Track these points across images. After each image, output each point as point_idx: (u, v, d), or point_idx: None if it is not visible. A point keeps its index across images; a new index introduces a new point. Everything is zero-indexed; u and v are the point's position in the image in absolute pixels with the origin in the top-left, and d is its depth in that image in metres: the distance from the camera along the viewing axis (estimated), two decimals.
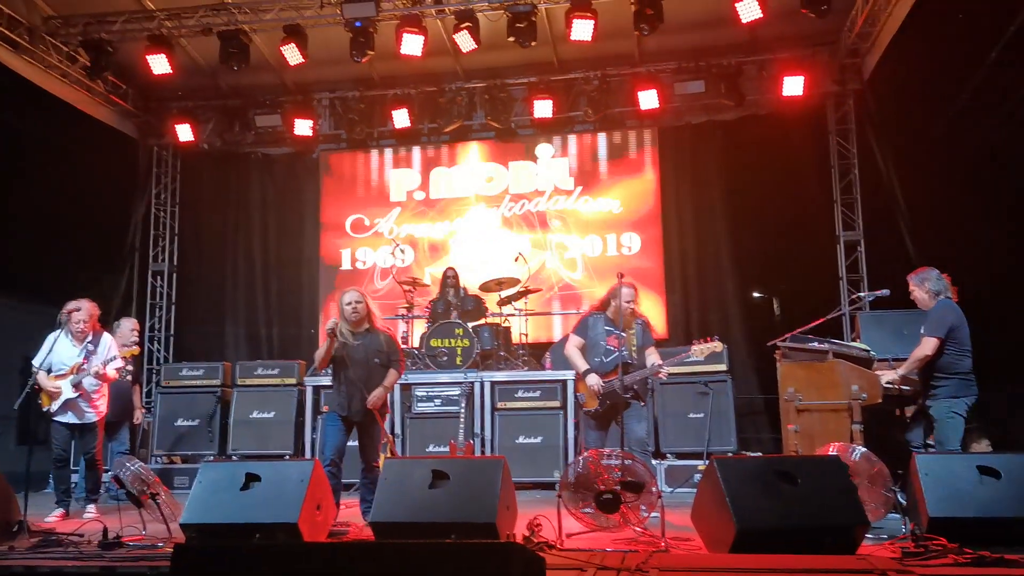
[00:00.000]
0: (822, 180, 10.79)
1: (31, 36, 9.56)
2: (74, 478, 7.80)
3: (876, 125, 10.18)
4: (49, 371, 6.85)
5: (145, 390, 10.73)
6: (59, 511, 6.84)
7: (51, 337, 6.92)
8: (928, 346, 5.77)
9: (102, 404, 7.08)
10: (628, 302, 6.47)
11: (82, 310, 6.92)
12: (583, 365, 6.47)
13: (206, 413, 9.45)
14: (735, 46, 10.31)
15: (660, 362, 6.41)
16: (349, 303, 6.13)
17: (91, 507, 6.96)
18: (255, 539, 4.63)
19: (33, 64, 9.75)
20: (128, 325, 8.34)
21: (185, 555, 2.94)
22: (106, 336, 7.16)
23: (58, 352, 6.87)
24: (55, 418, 6.89)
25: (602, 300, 6.71)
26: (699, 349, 6.39)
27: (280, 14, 9.49)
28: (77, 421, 6.91)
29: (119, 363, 7.06)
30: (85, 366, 6.85)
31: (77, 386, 6.83)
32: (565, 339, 7.97)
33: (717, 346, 6.39)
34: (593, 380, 6.36)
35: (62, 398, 6.81)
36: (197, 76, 11.00)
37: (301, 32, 9.43)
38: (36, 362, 6.83)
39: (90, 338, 6.97)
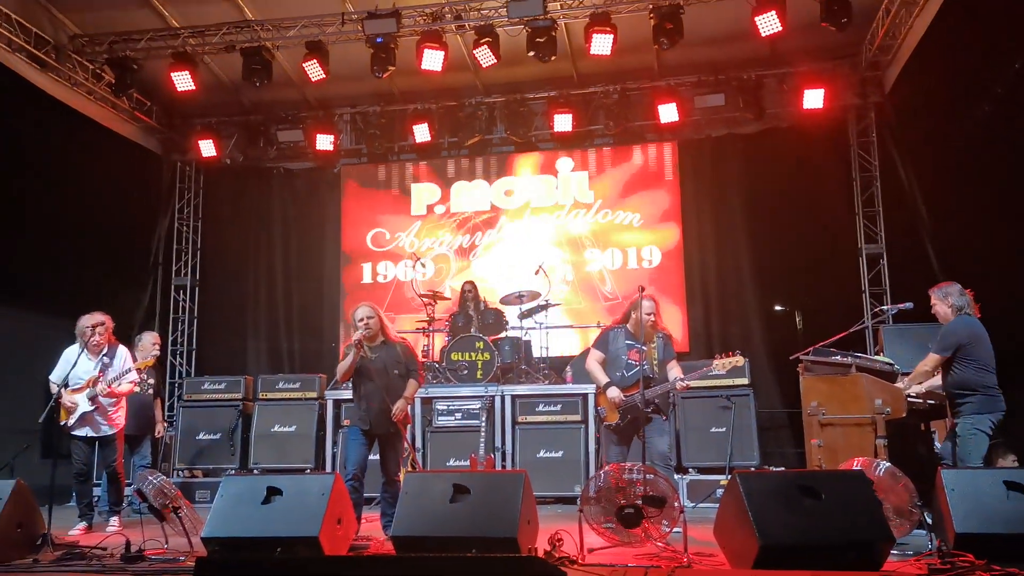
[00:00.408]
0: (844, 193, 10.73)
1: (58, 54, 9.71)
2: (96, 492, 7.85)
3: (898, 137, 10.11)
4: (66, 385, 6.88)
5: (167, 404, 10.80)
6: (82, 524, 6.87)
7: (68, 351, 6.99)
8: (930, 362, 5.76)
9: (119, 417, 7.11)
10: (648, 315, 6.44)
11: (97, 323, 6.96)
12: (603, 379, 6.43)
13: (228, 427, 9.49)
14: (755, 59, 10.30)
15: (682, 376, 6.37)
16: (361, 319, 6.15)
17: (114, 520, 7.00)
18: (276, 553, 4.64)
19: (59, 82, 9.90)
20: (150, 339, 8.38)
21: (207, 568, 2.95)
22: (122, 349, 7.19)
23: (74, 366, 6.90)
24: (73, 432, 6.93)
25: (623, 313, 6.68)
26: (721, 363, 6.33)
27: (302, 31, 9.58)
28: (94, 435, 6.95)
29: (134, 375, 7.08)
30: (101, 379, 6.89)
31: (93, 399, 6.87)
32: (587, 352, 7.95)
33: (739, 360, 6.30)
34: (614, 393, 6.32)
35: (78, 412, 6.85)
36: (220, 92, 11.13)
37: (323, 48, 9.51)
38: (53, 376, 6.90)
39: (105, 351, 7.01)
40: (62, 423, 6.94)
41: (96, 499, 7.91)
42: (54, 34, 9.64)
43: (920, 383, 5.95)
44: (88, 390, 6.86)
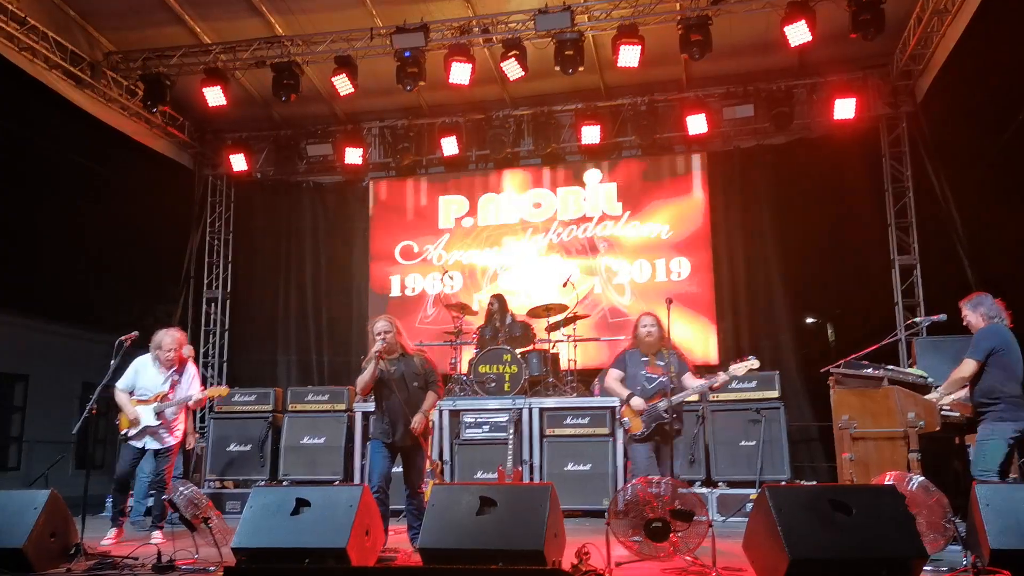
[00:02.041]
0: (875, 204, 10.63)
1: (93, 71, 9.91)
2: (129, 502, 7.91)
3: (930, 147, 10.00)
4: (131, 394, 6.95)
5: (198, 415, 10.90)
6: (113, 531, 6.86)
7: (139, 361, 7.04)
8: (966, 368, 5.68)
9: (180, 431, 7.15)
10: (645, 328, 6.48)
11: (172, 338, 7.01)
12: (624, 391, 6.45)
13: (258, 438, 9.55)
14: (784, 70, 10.25)
15: (704, 380, 6.36)
16: (379, 332, 6.11)
17: (157, 533, 6.90)
18: (304, 564, 4.65)
19: (94, 98, 10.11)
20: (169, 341, 8.20)
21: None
22: (191, 366, 7.26)
23: (143, 377, 6.97)
24: (131, 441, 6.96)
25: (632, 334, 6.70)
26: (736, 368, 6.30)
27: (331, 45, 9.69)
28: (156, 446, 6.97)
29: (200, 395, 7.16)
30: (171, 396, 6.95)
31: (160, 414, 6.92)
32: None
33: (753, 363, 6.29)
34: (637, 401, 6.33)
35: (142, 424, 6.88)
36: (251, 107, 11.29)
37: (352, 63, 9.61)
38: (121, 385, 6.94)
39: (175, 368, 7.07)
40: (122, 432, 7.00)
41: (129, 509, 7.99)
42: (89, 51, 9.84)
43: (955, 391, 5.85)
44: (155, 405, 6.91)
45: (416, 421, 6.00)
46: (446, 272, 10.84)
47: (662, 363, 6.36)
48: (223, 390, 7.77)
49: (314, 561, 4.66)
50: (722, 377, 6.34)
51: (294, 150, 11.73)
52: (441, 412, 8.76)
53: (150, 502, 7.58)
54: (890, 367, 6.19)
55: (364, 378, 6.06)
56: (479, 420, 8.87)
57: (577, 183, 11.58)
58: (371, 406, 8.62)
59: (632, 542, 5.11)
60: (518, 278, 11.46)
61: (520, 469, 8.34)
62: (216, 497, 8.95)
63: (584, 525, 7.58)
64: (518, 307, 10.23)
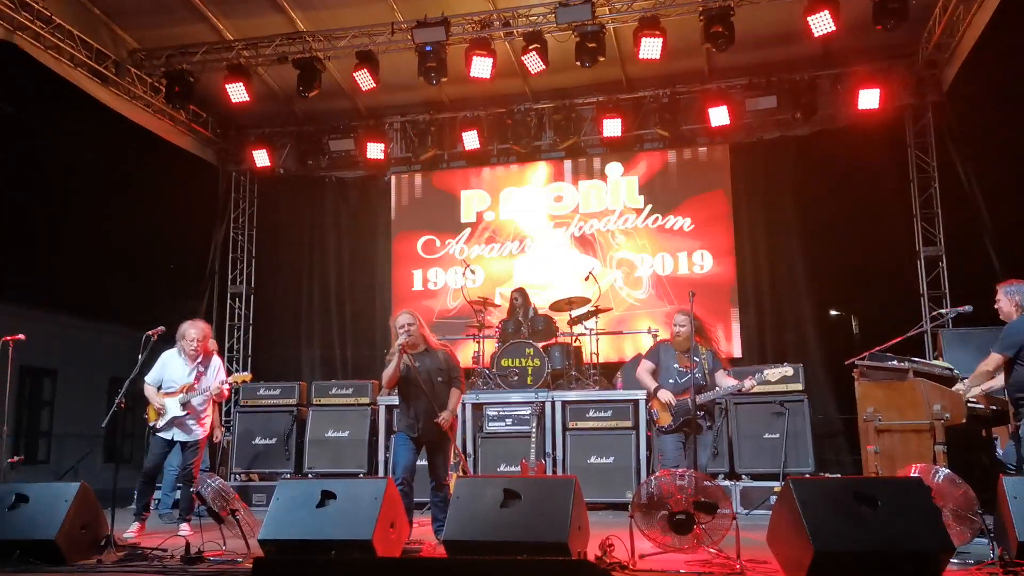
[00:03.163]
0: (901, 194, 10.54)
1: (117, 69, 10.01)
2: (156, 495, 8.00)
3: (956, 137, 9.89)
4: (159, 387, 7.05)
5: (224, 409, 11.01)
6: (136, 524, 6.90)
7: (165, 355, 7.12)
8: (991, 361, 5.62)
9: (207, 422, 7.25)
10: (682, 327, 6.48)
11: (197, 330, 7.10)
12: (653, 384, 6.51)
13: (283, 432, 9.63)
14: (808, 60, 10.17)
15: (736, 382, 6.37)
16: (403, 326, 6.07)
17: (185, 525, 6.99)
18: (331, 555, 4.70)
19: (119, 95, 10.21)
20: (195, 332, 8.22)
21: (265, 569, 3.00)
22: (216, 359, 7.35)
23: (170, 370, 7.07)
24: (159, 433, 7.06)
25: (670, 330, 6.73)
26: (770, 372, 6.40)
27: (353, 40, 9.72)
28: (184, 438, 7.07)
29: (227, 387, 7.26)
30: (196, 386, 7.04)
31: (185, 405, 7.01)
32: (637, 358, 7.94)
33: (788, 370, 6.41)
34: (666, 395, 6.37)
35: (168, 415, 6.98)
36: (273, 103, 11.35)
37: (373, 58, 9.64)
38: (149, 379, 7.04)
39: (200, 359, 7.16)
40: (151, 424, 7.11)
41: (156, 502, 8.08)
42: (114, 49, 9.94)
43: (981, 384, 5.80)
44: (181, 396, 7.01)
45: (443, 419, 6.03)
46: (468, 266, 10.85)
47: (697, 359, 6.37)
48: (247, 376, 7.88)
49: (340, 553, 4.71)
50: (752, 381, 6.34)
51: (316, 145, 11.78)
52: (464, 406, 8.79)
53: (178, 495, 7.66)
54: (915, 359, 6.15)
55: (388, 371, 6.07)
56: (502, 413, 8.90)
57: (599, 176, 11.56)
58: (395, 399, 8.67)
59: (656, 534, 5.12)
60: (540, 272, 11.47)
61: (543, 462, 8.35)
62: (242, 490, 9.04)
63: (607, 518, 7.59)
64: (540, 301, 10.24)
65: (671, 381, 6.46)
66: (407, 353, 6.04)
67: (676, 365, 6.48)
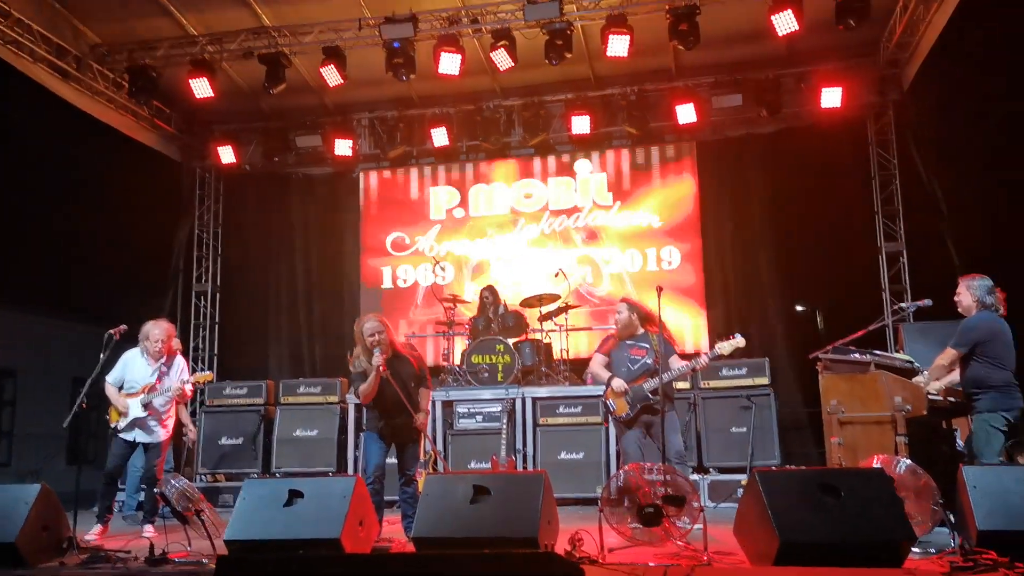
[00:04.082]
0: (863, 191, 10.70)
1: (79, 64, 9.85)
2: (120, 496, 7.90)
3: (917, 135, 10.06)
4: (120, 388, 6.95)
5: (189, 410, 10.88)
6: (98, 527, 6.78)
7: (127, 355, 7.02)
8: (947, 356, 5.72)
9: (170, 423, 7.15)
10: (619, 314, 6.61)
11: (160, 330, 7.00)
12: (607, 374, 6.55)
13: (250, 431, 9.55)
14: (772, 59, 10.27)
15: (687, 362, 6.44)
16: (372, 334, 5.97)
17: (149, 527, 6.89)
18: (299, 553, 4.67)
19: (81, 91, 10.05)
20: (159, 333, 8.11)
21: (229, 567, 2.98)
22: (179, 360, 7.26)
23: (131, 370, 6.97)
24: (121, 435, 6.95)
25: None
26: (722, 346, 6.34)
27: (319, 36, 9.65)
28: (146, 439, 6.97)
29: (189, 387, 7.18)
30: (158, 386, 6.95)
31: (147, 406, 6.90)
32: None
33: (740, 342, 6.33)
34: (618, 383, 6.43)
35: (130, 416, 6.88)
36: (239, 99, 11.22)
37: (340, 54, 9.58)
38: (110, 379, 6.93)
39: (163, 359, 7.06)
40: (112, 424, 7.00)
41: (120, 503, 7.98)
42: (75, 44, 9.78)
43: (939, 378, 5.90)
44: (142, 396, 6.91)
45: (420, 420, 6.03)
46: (438, 263, 10.83)
47: (647, 345, 6.42)
48: (208, 375, 7.81)
49: (308, 552, 4.68)
50: (705, 358, 6.40)
51: (283, 142, 11.66)
52: (435, 403, 8.78)
53: (141, 496, 7.57)
54: (877, 352, 6.23)
55: (366, 388, 5.95)
56: (472, 410, 8.91)
57: (568, 173, 11.60)
58: None
59: (625, 528, 5.15)
60: (510, 268, 11.48)
61: (513, 458, 8.36)
62: (209, 491, 8.95)
63: (577, 512, 7.62)
64: (510, 297, 10.25)
65: (624, 370, 6.50)
66: (386, 368, 5.95)
67: (628, 354, 6.54)
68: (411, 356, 6.25)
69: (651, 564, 4.54)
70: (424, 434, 6.23)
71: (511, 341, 9.37)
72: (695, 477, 8.29)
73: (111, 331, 6.58)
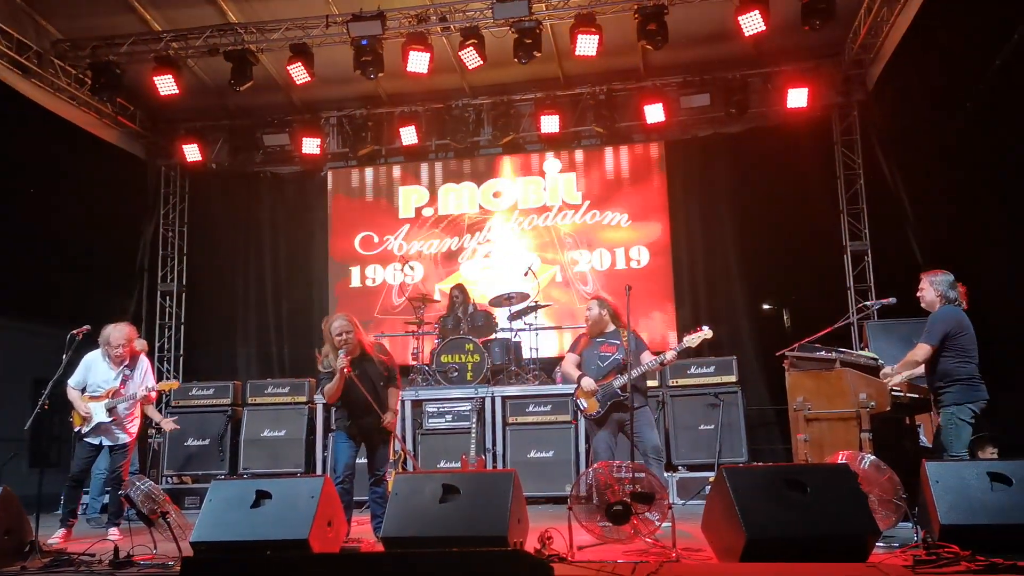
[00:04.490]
0: (828, 191, 10.81)
1: (40, 60, 9.68)
2: (84, 499, 7.78)
3: (881, 135, 10.20)
4: (83, 391, 6.83)
5: (161, 407, 10.75)
6: (62, 531, 6.70)
7: (89, 357, 6.89)
8: (921, 352, 5.78)
9: (134, 426, 7.04)
10: (588, 311, 6.65)
11: (121, 334, 6.85)
12: (578, 373, 6.56)
13: (217, 432, 9.45)
14: (740, 59, 10.35)
15: (656, 357, 6.46)
16: (339, 333, 5.94)
17: (114, 530, 6.80)
18: (266, 553, 4.63)
19: (42, 87, 9.88)
20: (119, 336, 7.96)
21: (194, 568, 2.95)
22: (143, 360, 7.14)
23: (94, 373, 6.85)
24: (85, 438, 6.84)
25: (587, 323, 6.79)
26: (689, 339, 6.36)
27: (286, 33, 9.58)
28: (109, 443, 6.88)
29: (154, 393, 7.08)
30: (123, 391, 6.84)
31: (112, 411, 6.80)
32: None
33: (707, 333, 6.36)
34: (587, 381, 6.43)
35: (94, 421, 6.77)
36: (205, 96, 11.10)
37: (307, 51, 9.50)
38: (72, 382, 6.80)
39: (127, 362, 6.95)
40: (76, 428, 6.87)
41: (84, 506, 7.86)
42: (36, 39, 9.61)
43: (907, 371, 5.97)
44: (107, 401, 6.79)
45: (388, 419, 6.00)
46: (407, 262, 10.79)
47: (617, 342, 6.44)
48: (173, 384, 7.70)
49: (275, 553, 4.64)
50: (673, 352, 6.42)
51: (250, 140, 11.56)
52: (404, 402, 8.76)
53: (106, 499, 7.47)
54: (842, 350, 6.31)
55: (331, 388, 5.93)
56: (442, 410, 8.90)
57: (537, 173, 11.61)
58: None
59: (594, 526, 5.16)
60: (479, 268, 11.47)
61: (483, 457, 8.37)
62: (174, 493, 8.84)
63: (547, 511, 7.63)
64: (480, 296, 10.24)
65: (594, 367, 6.52)
66: (351, 368, 5.92)
67: (598, 351, 6.56)
68: (380, 356, 6.22)
69: (620, 561, 4.55)
70: (393, 434, 6.21)
71: (480, 340, 9.36)
72: (664, 475, 8.34)
73: (73, 331, 6.47)
